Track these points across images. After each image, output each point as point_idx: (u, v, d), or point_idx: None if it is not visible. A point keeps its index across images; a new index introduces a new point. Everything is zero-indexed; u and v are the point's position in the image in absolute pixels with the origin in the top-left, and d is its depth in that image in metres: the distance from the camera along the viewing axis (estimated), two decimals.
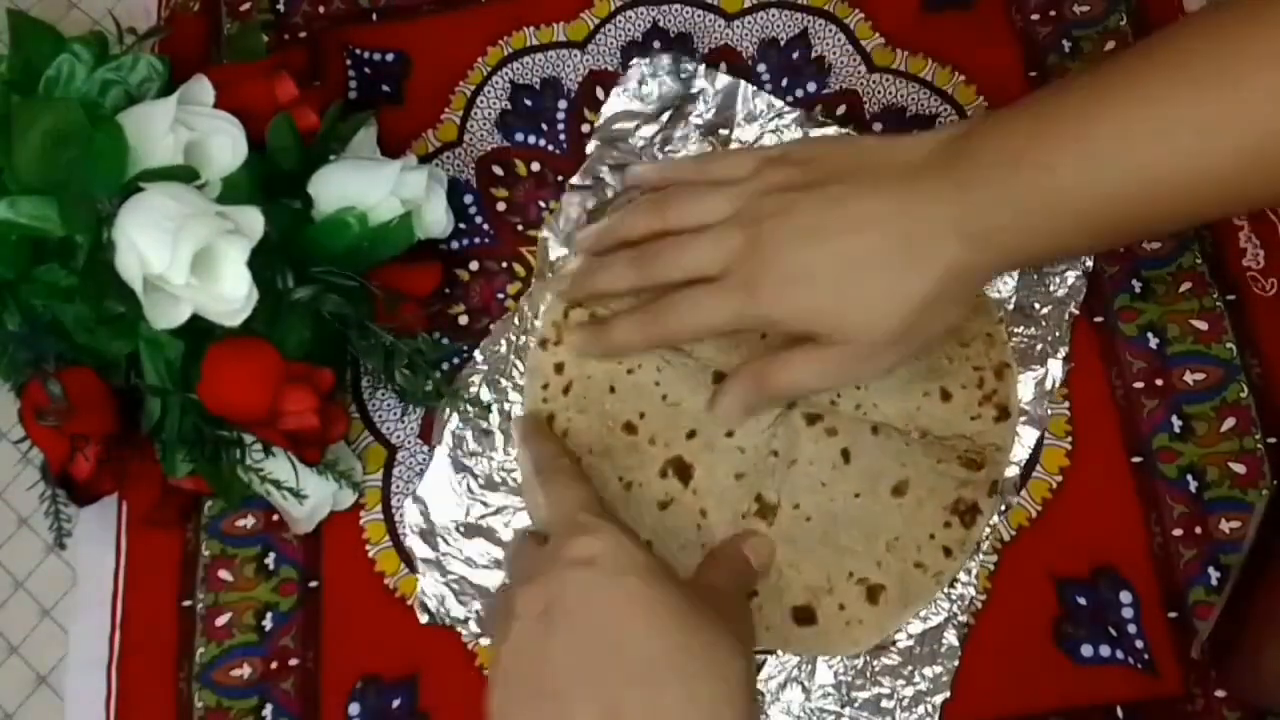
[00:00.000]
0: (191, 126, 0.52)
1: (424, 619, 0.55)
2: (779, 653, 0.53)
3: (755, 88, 0.62)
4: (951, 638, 0.52)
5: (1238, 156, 0.42)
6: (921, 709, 0.51)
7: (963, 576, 0.53)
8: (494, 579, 0.55)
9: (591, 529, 0.45)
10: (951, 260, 0.46)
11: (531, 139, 0.64)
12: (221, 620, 0.57)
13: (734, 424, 0.54)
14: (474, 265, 0.62)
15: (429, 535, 0.56)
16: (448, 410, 0.58)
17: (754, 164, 0.53)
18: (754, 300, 0.49)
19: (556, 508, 0.49)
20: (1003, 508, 0.54)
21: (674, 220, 0.53)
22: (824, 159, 0.51)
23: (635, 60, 0.63)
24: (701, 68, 0.62)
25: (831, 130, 0.61)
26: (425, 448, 0.59)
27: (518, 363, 0.58)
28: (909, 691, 0.52)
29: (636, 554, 0.44)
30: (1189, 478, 0.55)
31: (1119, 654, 0.53)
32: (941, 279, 0.47)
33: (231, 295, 0.50)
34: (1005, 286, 0.57)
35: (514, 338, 0.59)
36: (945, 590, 0.53)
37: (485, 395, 0.58)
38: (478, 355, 0.59)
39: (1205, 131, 0.42)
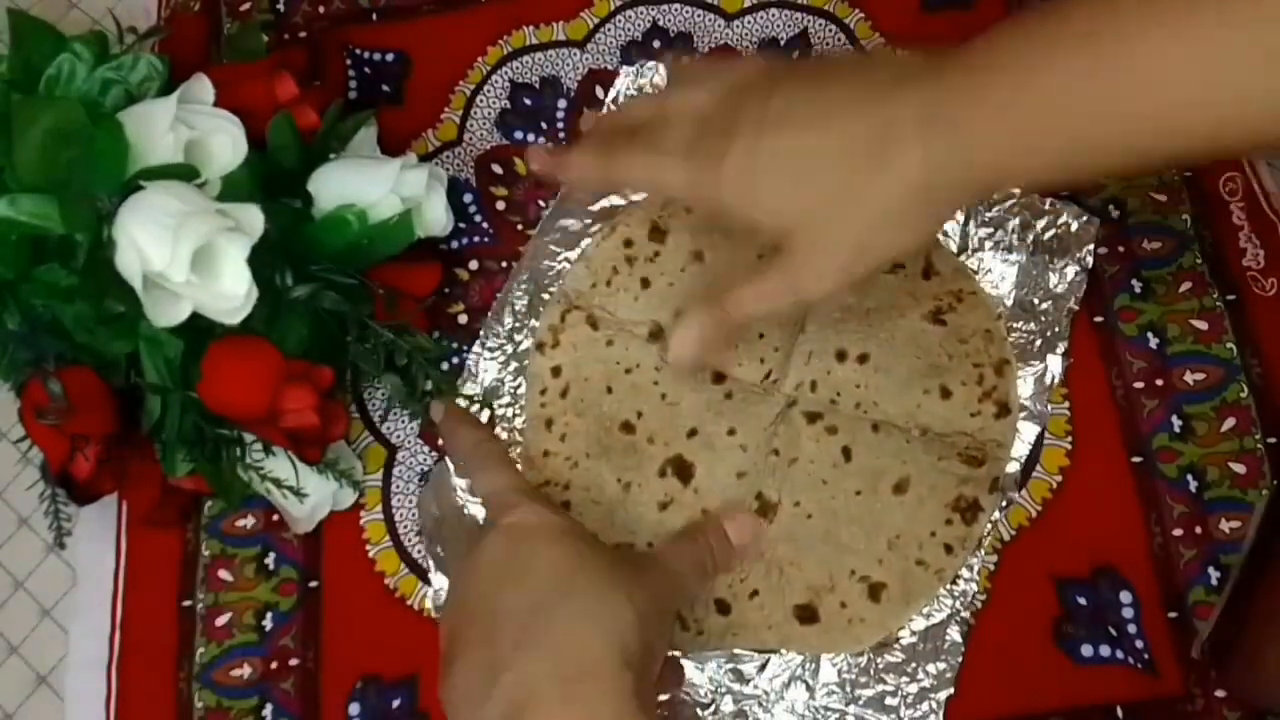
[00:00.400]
0: (192, 125, 0.52)
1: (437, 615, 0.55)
2: (782, 651, 0.52)
3: None
4: (955, 634, 0.52)
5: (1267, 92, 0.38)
6: (926, 705, 0.51)
7: (964, 573, 0.53)
8: None
9: (516, 505, 0.49)
10: (914, 170, 0.44)
11: (531, 137, 0.64)
12: (221, 620, 0.57)
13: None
14: (473, 264, 0.62)
15: (434, 538, 0.56)
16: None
17: (759, 67, 0.51)
18: (715, 177, 0.47)
19: (489, 492, 0.52)
20: (1003, 504, 0.54)
21: (672, 106, 0.52)
22: (829, 61, 0.51)
23: (635, 62, 0.64)
24: None
25: None
26: (426, 448, 0.58)
27: (506, 365, 0.58)
28: (913, 688, 0.51)
29: (554, 520, 0.48)
30: (1189, 478, 0.55)
31: (1119, 654, 0.53)
32: (902, 195, 0.44)
33: (231, 292, 0.50)
34: (1004, 283, 0.57)
35: (509, 333, 0.59)
36: (947, 587, 0.53)
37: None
38: (474, 348, 0.59)
39: (1232, 61, 0.38)
